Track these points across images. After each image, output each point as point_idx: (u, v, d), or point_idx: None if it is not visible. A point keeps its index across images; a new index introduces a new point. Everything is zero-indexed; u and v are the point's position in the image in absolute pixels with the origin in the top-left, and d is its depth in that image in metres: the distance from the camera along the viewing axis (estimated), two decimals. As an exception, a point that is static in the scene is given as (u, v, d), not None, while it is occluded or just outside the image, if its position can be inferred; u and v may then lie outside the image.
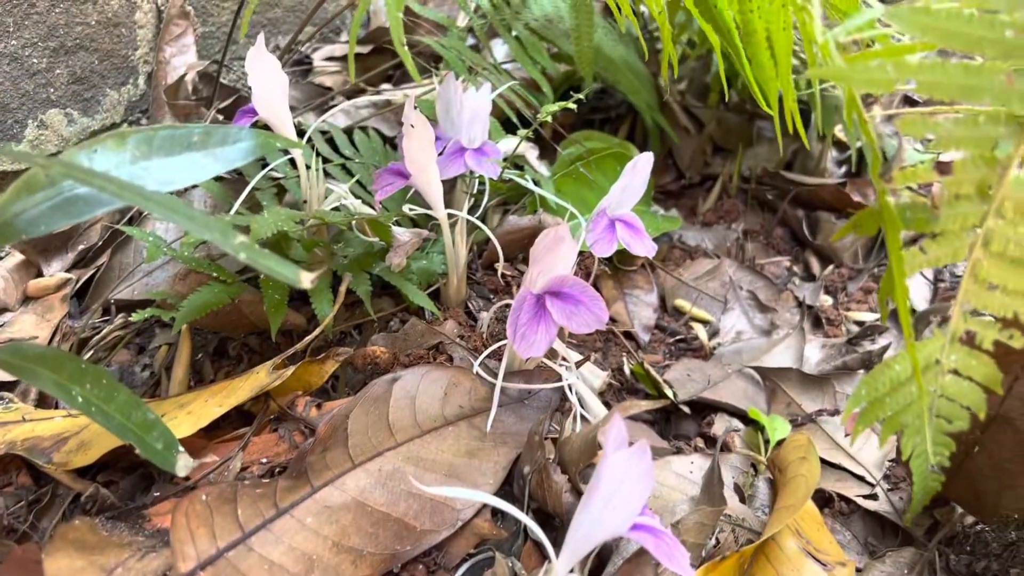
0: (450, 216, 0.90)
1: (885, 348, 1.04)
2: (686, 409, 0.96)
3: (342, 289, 0.89)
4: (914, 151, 1.42)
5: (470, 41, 1.41)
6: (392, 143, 1.20)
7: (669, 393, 0.95)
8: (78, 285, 1.00)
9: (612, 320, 1.11)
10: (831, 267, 1.30)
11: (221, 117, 1.21)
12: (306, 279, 0.54)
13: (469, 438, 0.75)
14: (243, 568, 0.60)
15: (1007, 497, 0.76)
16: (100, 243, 1.06)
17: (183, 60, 1.21)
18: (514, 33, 1.25)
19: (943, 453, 0.64)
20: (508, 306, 0.75)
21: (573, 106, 0.93)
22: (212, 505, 0.63)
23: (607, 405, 0.92)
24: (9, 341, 0.94)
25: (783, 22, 0.77)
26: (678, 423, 0.96)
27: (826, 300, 1.22)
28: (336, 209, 0.96)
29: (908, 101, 1.62)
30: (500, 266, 1.03)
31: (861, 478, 0.88)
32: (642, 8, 1.36)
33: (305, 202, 0.97)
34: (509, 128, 1.17)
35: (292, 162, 1.01)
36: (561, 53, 1.35)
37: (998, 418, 0.74)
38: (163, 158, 0.62)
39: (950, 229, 0.50)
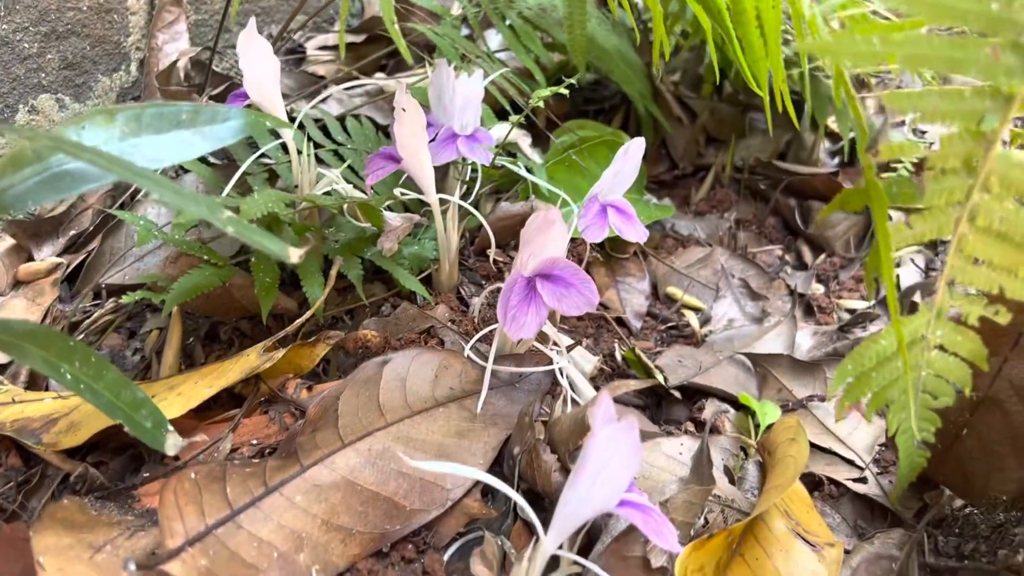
0: (442, 202, 0.90)
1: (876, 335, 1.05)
2: (677, 394, 0.96)
3: (333, 272, 0.89)
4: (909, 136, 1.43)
5: (464, 32, 1.41)
6: (385, 131, 1.20)
7: (660, 378, 0.95)
8: (69, 270, 1.00)
9: (604, 307, 1.11)
10: (823, 256, 1.30)
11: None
12: (294, 254, 0.54)
13: (459, 419, 0.75)
14: (232, 545, 0.60)
15: (996, 479, 0.77)
16: (91, 228, 1.05)
17: (175, 47, 1.21)
18: (508, 22, 1.25)
19: (929, 429, 0.64)
20: (500, 291, 0.75)
21: (565, 91, 0.93)
22: (201, 483, 0.63)
23: (597, 390, 0.92)
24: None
25: (772, 0, 0.77)
26: (669, 408, 0.96)
27: (818, 288, 1.23)
28: (328, 194, 0.96)
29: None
30: (492, 252, 1.03)
31: (851, 462, 0.88)
32: (635, -3, 1.36)
33: (296, 187, 0.97)
34: (503, 118, 1.17)
35: (284, 148, 1.01)
36: (555, 42, 1.35)
37: (987, 400, 0.74)
38: (152, 135, 0.61)
39: (936, 204, 0.50)
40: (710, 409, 0.93)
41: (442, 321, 0.91)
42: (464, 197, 1.01)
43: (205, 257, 0.86)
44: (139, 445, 0.76)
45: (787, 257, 1.32)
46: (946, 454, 0.78)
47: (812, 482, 0.86)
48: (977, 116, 0.47)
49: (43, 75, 1.06)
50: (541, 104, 0.96)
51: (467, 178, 1.06)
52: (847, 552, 0.76)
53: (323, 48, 1.53)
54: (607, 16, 1.44)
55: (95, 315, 0.93)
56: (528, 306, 0.75)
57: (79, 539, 0.61)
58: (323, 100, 1.22)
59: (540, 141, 1.28)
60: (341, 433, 0.70)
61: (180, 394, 0.77)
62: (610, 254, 1.19)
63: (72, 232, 1.05)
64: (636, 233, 0.92)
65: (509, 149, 1.17)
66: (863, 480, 0.86)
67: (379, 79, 1.40)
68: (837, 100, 1.00)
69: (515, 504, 0.70)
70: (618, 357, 1.01)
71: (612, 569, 0.60)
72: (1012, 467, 0.75)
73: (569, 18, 1.21)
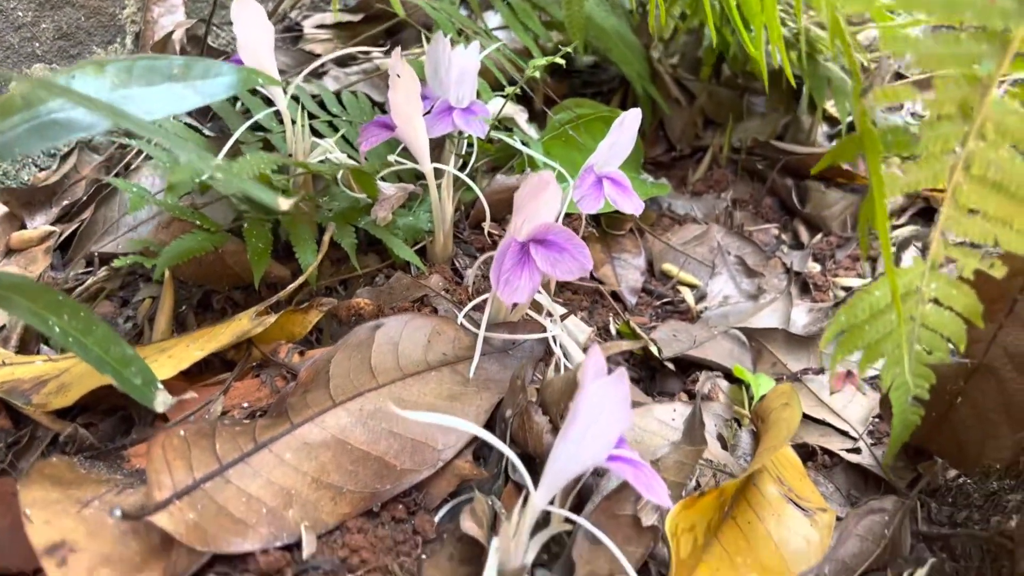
0: (437, 173, 0.90)
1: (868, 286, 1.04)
2: (671, 366, 0.95)
3: (326, 239, 0.89)
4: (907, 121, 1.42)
5: (463, 13, 1.40)
6: (381, 107, 1.20)
7: (654, 349, 0.95)
8: (61, 239, 0.99)
9: (599, 282, 1.11)
10: (819, 235, 1.30)
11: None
12: (284, 203, 0.53)
13: (452, 383, 0.75)
14: (220, 499, 0.60)
15: (990, 447, 0.76)
16: (84, 199, 1.05)
17: (171, 20, 1.21)
18: (506, 0, 1.24)
19: (923, 385, 0.63)
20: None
21: (560, 60, 0.93)
22: (190, 439, 0.63)
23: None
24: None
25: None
26: (663, 381, 0.96)
27: (814, 267, 1.22)
28: (322, 163, 0.96)
29: (899, 78, 1.62)
30: (487, 225, 1.02)
31: (845, 433, 0.88)
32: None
33: (291, 155, 0.96)
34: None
35: (279, 118, 1.00)
36: (553, 21, 1.35)
37: (981, 368, 0.74)
38: (143, 87, 0.61)
39: (931, 151, 0.50)
40: (704, 381, 0.93)
41: (436, 290, 0.90)
42: (460, 171, 1.01)
43: (198, 223, 0.86)
44: (129, 407, 0.76)
45: (783, 236, 1.31)
46: (940, 423, 0.77)
47: (806, 452, 0.86)
48: (973, 59, 0.46)
49: (37, 44, 1.05)
50: (537, 75, 0.96)
51: (463, 152, 1.06)
52: (839, 520, 0.76)
53: (320, 26, 1.52)
54: (605, -4, 1.43)
55: (87, 282, 0.92)
56: (521, 270, 0.74)
57: (67, 494, 0.61)
58: (319, 72, 1.21)
59: (537, 119, 1.28)
60: (332, 393, 0.70)
61: (171, 356, 0.76)
62: (606, 230, 1.19)
63: (66, 202, 1.04)
64: (631, 205, 0.91)
65: (506, 124, 1.17)
66: (857, 451, 0.85)
67: (376, 57, 1.39)
68: (832, 49, 0.99)
69: (506, 466, 0.70)
70: (612, 331, 1.01)
71: (603, 527, 0.60)
72: (1006, 434, 0.75)
73: (567, -5, 1.21)
